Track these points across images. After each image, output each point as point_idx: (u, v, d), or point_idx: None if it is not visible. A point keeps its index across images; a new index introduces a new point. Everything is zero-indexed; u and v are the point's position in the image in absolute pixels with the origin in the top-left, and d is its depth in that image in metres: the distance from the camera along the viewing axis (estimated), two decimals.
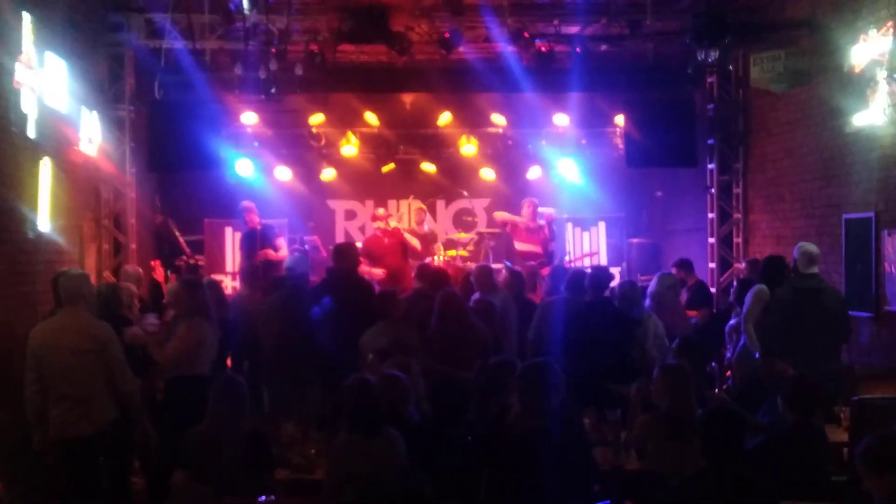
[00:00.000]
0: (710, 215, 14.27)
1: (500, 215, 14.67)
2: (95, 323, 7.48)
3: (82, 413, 7.24)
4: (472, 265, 13.24)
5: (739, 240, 13.91)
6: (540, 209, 14.24)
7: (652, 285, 10.30)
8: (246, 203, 13.83)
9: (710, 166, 14.21)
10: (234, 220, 15.23)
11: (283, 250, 13.43)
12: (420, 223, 14.91)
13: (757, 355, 8.03)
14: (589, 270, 10.76)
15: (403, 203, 16.66)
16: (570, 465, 5.98)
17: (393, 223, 13.86)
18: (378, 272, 13.15)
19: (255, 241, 13.32)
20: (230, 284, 14.36)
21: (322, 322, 9.21)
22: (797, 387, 6.68)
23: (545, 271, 12.22)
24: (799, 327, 8.70)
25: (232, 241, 15.29)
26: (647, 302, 10.19)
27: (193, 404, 6.87)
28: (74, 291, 7.45)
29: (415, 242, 13.82)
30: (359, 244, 13.04)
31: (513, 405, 6.28)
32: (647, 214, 16.79)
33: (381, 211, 14.15)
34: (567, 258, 14.78)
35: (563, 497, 5.91)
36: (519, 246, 14.05)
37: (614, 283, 13.48)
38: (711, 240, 14.24)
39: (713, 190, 14.19)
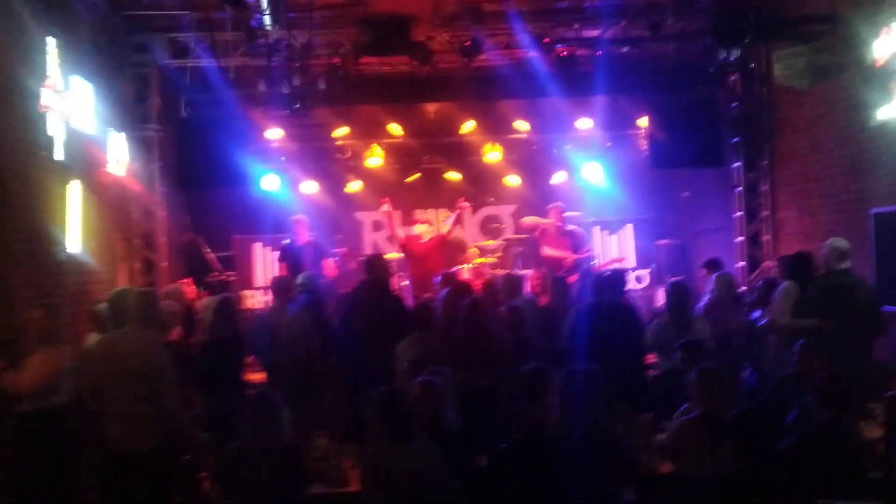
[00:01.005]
0: (738, 214, 14.21)
1: (529, 220, 14.69)
2: (153, 346, 7.52)
3: (136, 430, 7.31)
4: (500, 272, 13.24)
5: (768, 237, 13.85)
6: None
7: (711, 286, 10.37)
8: (297, 217, 13.76)
9: (735, 165, 14.16)
10: (263, 234, 15.32)
11: (329, 269, 13.47)
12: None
13: (796, 346, 7.99)
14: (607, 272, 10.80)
15: (431, 213, 16.74)
16: (607, 470, 5.98)
17: (423, 230, 13.87)
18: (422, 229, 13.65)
19: (299, 256, 13.31)
20: (262, 299, 14.40)
21: (348, 334, 9.31)
22: (830, 384, 6.66)
23: (572, 279, 12.20)
24: (831, 324, 8.70)
25: (262, 256, 15.36)
26: (706, 300, 10.28)
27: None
28: (139, 310, 7.53)
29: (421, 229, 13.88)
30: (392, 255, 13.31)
31: (551, 411, 6.27)
32: (674, 215, 16.74)
33: (419, 218, 14.68)
34: (595, 262, 14.74)
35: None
36: (547, 251, 14.03)
37: (642, 285, 13.54)
38: (739, 238, 14.18)
39: (740, 188, 14.14)
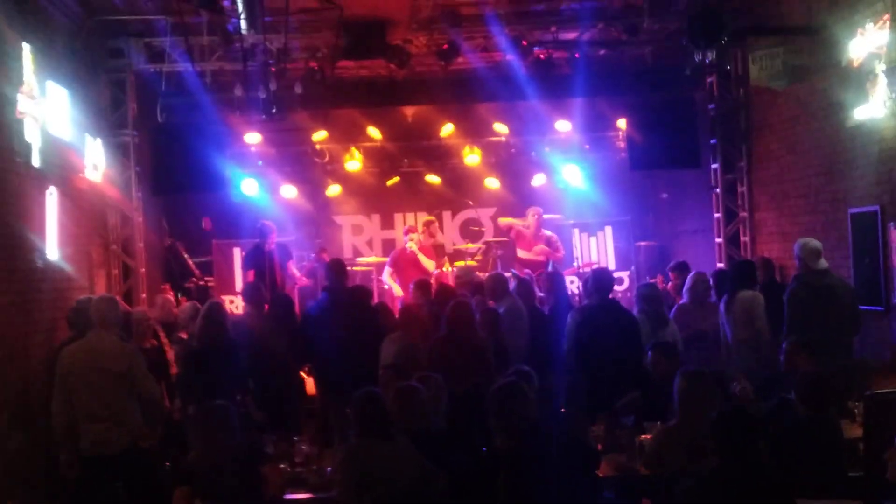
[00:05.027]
0: (716, 215, 14.25)
1: (505, 221, 14.77)
2: (122, 345, 7.77)
3: (111, 432, 7.47)
4: (481, 275, 13.24)
5: (746, 238, 13.87)
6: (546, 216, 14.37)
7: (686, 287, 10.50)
8: (269, 223, 13.57)
9: (713, 166, 14.19)
10: (242, 240, 15.26)
11: (294, 271, 13.50)
12: (432, 235, 14.93)
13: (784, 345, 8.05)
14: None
15: (410, 216, 16.76)
16: (568, 475, 5.94)
17: (411, 245, 13.91)
18: (397, 292, 13.53)
19: (262, 259, 13.23)
20: (241, 304, 14.35)
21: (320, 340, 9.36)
22: (811, 381, 6.69)
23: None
24: (813, 323, 8.76)
25: (241, 262, 15.32)
26: (676, 304, 10.38)
27: None
28: (104, 315, 7.70)
29: (428, 265, 13.84)
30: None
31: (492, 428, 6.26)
32: (653, 217, 16.79)
33: (408, 224, 15.04)
34: (575, 264, 14.78)
35: None
36: (521, 254, 14.08)
37: (622, 287, 13.62)
38: (718, 240, 14.21)
39: (718, 189, 14.18)
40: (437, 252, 14.56)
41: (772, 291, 9.85)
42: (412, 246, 13.93)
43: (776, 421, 6.93)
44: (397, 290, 13.57)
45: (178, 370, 9.57)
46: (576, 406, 8.33)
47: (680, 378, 6.74)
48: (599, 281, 9.53)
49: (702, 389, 6.65)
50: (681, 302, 10.42)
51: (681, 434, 6.57)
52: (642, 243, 15.90)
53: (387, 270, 13.99)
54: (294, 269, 13.67)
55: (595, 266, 14.92)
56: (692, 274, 10.67)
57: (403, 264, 13.81)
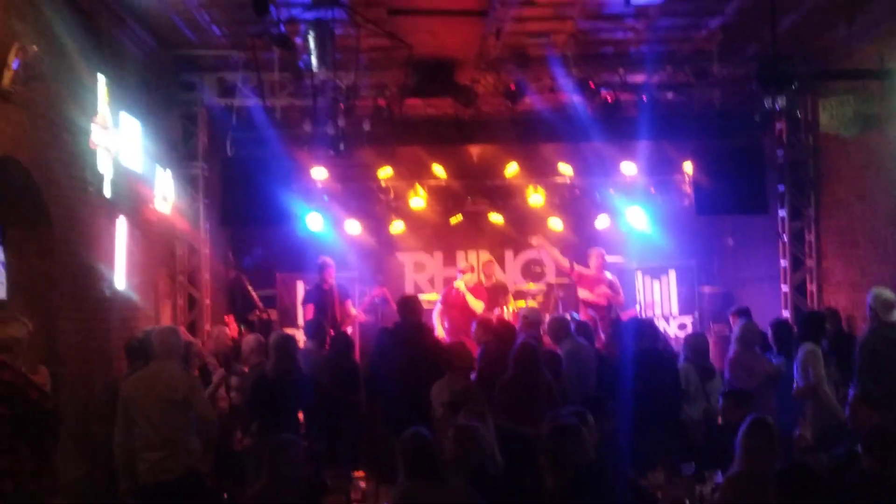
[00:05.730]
0: (783, 262, 14.09)
1: (537, 240, 14.78)
2: (182, 373, 7.90)
3: (169, 461, 7.55)
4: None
5: (813, 287, 13.70)
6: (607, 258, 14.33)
7: (735, 336, 10.33)
8: (327, 259, 13.57)
9: (781, 213, 14.05)
10: (306, 273, 15.35)
11: (352, 310, 13.57)
12: (489, 276, 14.94)
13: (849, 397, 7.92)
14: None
15: (472, 255, 16.77)
16: None
17: (459, 285, 13.93)
18: (440, 333, 13.46)
19: (323, 296, 13.30)
20: (301, 338, 14.43)
21: (384, 375, 9.36)
22: (878, 436, 6.57)
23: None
24: (886, 376, 8.61)
25: (302, 297, 15.40)
26: (731, 352, 10.21)
27: None
28: (167, 345, 7.84)
29: (476, 306, 13.79)
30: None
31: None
32: (718, 262, 16.62)
33: (463, 264, 15.04)
34: (637, 308, 14.67)
35: None
36: (583, 294, 14.01)
37: (684, 333, 13.47)
38: (785, 287, 14.04)
39: (785, 237, 14.02)
40: (497, 292, 14.54)
41: (839, 343, 9.68)
42: (461, 286, 13.92)
43: (841, 473, 6.81)
44: (440, 332, 13.49)
45: (241, 401, 9.62)
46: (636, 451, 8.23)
47: (745, 426, 6.64)
48: (636, 331, 9.52)
49: (764, 438, 6.55)
50: (732, 353, 10.16)
51: (743, 484, 6.47)
52: (707, 289, 15.74)
53: (437, 308, 14.01)
54: (352, 308, 13.65)
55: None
56: (743, 323, 10.46)
57: (451, 303, 13.84)
